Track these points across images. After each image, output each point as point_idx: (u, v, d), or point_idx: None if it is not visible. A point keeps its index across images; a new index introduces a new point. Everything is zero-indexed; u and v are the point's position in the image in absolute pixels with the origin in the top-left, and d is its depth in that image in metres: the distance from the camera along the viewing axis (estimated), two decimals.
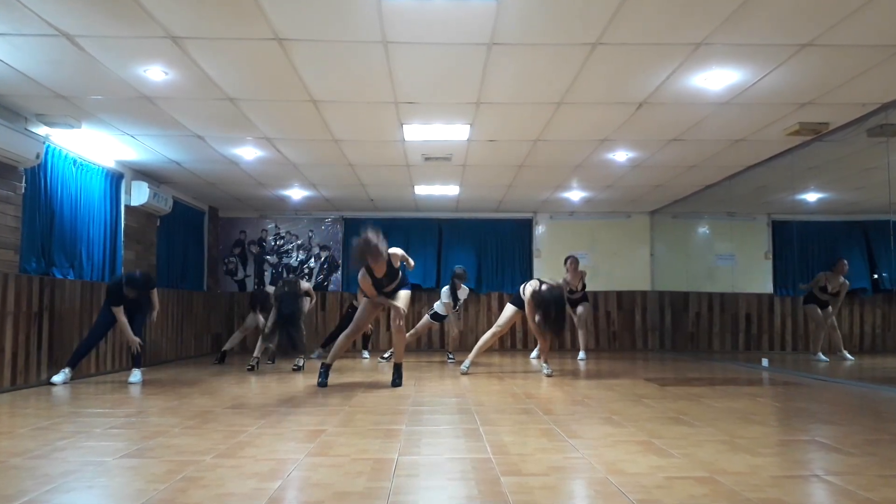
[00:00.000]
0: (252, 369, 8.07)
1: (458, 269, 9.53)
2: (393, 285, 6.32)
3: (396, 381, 6.34)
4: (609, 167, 8.53)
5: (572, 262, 9.66)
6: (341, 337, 6.53)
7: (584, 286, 9.75)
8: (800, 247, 11.19)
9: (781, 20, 4.42)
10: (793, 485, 2.76)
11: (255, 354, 8.34)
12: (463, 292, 9.50)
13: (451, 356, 9.45)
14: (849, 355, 9.62)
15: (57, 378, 6.58)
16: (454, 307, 9.44)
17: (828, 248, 11.27)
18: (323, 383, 6.31)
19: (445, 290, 9.48)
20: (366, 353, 10.21)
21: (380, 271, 6.14)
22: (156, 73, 5.25)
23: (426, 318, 9.53)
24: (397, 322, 6.36)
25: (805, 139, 7.07)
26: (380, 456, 3.28)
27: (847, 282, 9.86)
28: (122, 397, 5.66)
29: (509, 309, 7.84)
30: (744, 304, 11.69)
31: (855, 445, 3.53)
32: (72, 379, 6.79)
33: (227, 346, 9.48)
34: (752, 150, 7.68)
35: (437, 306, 9.48)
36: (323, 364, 6.50)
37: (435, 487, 2.76)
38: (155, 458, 3.24)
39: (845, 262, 9.85)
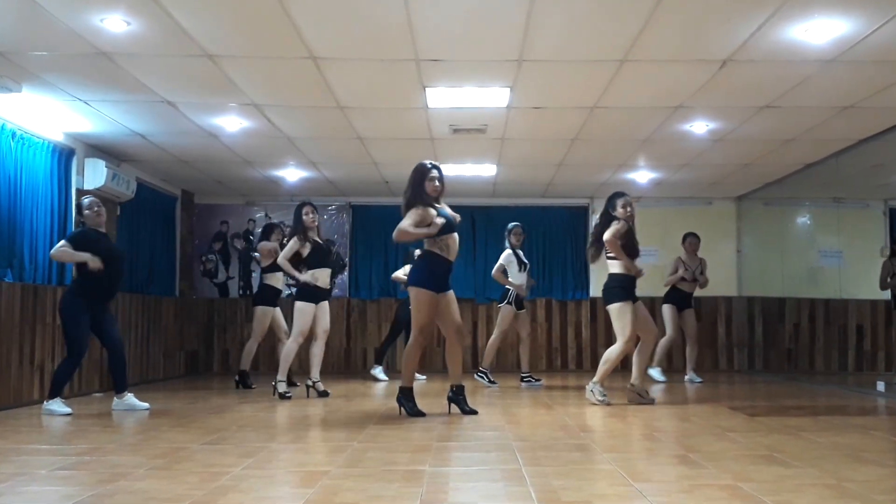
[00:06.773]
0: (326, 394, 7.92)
1: (515, 227, 9.35)
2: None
3: (467, 408, 6.22)
4: (685, 141, 8.48)
5: (692, 240, 9.67)
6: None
7: (701, 278, 9.66)
8: None
9: None
10: None
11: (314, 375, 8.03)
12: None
13: (532, 377, 9.21)
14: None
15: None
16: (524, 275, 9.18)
17: None
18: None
19: (507, 255, 9.24)
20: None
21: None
22: (115, 23, 5.26)
23: (507, 309, 9.17)
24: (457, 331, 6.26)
25: None
26: None
27: None
28: (73, 430, 5.71)
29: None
30: (854, 314, 11.55)
31: None
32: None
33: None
34: (864, 120, 7.60)
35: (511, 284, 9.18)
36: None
37: None
38: None
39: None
